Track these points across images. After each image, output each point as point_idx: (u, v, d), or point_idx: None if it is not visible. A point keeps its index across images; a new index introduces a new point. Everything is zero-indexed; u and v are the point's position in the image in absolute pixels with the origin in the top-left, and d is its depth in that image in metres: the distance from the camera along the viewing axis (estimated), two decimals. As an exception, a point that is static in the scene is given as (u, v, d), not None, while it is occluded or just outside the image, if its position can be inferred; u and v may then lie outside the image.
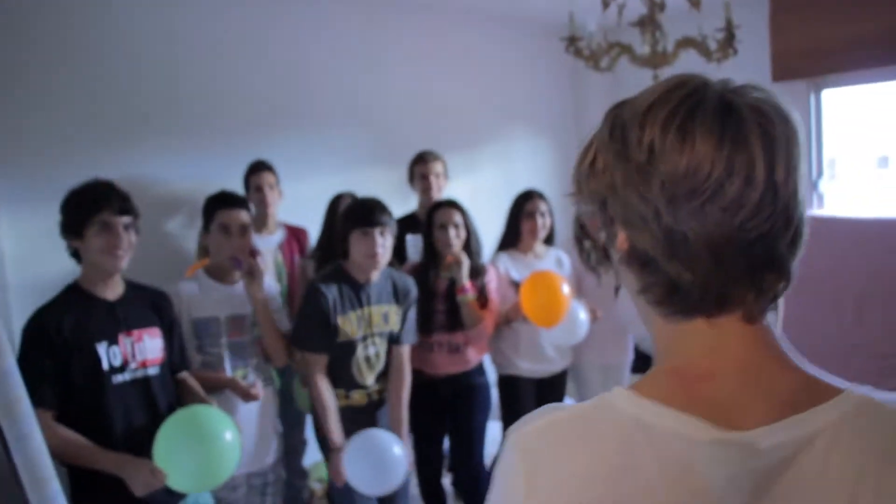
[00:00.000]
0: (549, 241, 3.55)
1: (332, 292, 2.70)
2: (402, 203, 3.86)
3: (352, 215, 2.76)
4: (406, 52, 4.49)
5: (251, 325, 2.70)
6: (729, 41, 2.85)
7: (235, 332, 2.66)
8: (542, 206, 3.43)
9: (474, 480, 3.48)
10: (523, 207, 3.44)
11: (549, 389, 3.49)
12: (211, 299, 2.64)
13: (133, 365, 2.22)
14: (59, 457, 2.00)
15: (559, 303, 3.11)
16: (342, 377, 2.76)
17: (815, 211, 4.49)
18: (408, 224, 3.66)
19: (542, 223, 3.42)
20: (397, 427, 2.83)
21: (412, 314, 2.93)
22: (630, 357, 3.76)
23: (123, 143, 3.40)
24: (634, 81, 4.49)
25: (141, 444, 2.10)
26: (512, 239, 3.49)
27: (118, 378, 2.18)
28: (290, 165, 3.75)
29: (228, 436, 2.15)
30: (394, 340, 2.87)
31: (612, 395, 0.73)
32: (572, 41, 2.98)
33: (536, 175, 4.90)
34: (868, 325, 3.28)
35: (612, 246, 0.77)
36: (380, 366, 2.83)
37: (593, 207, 0.76)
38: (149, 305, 2.34)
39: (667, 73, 3.08)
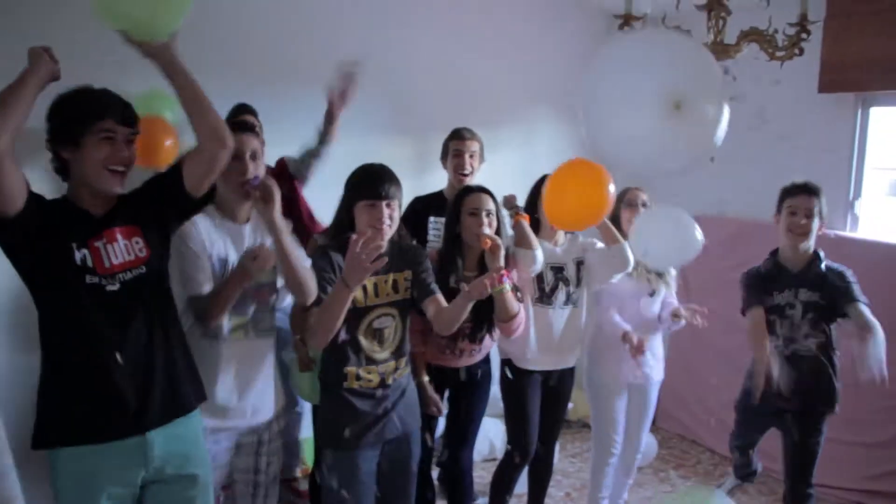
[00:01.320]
0: None
1: (338, 259, 2.48)
2: (416, 178, 3.63)
3: (357, 184, 2.54)
4: (431, 16, 4.23)
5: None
6: (799, 38, 2.60)
7: None
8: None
9: (457, 476, 3.29)
10: (542, 191, 3.15)
11: (557, 388, 3.28)
12: (222, 237, 2.40)
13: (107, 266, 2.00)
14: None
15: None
16: (352, 350, 2.52)
17: (848, 232, 4.28)
18: (432, 203, 3.43)
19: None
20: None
21: (429, 273, 2.66)
22: (659, 378, 3.57)
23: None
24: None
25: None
26: (531, 225, 3.21)
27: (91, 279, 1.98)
28: (279, 125, 3.42)
29: None
30: (418, 301, 2.62)
31: None
32: (627, 20, 2.72)
33: (558, 160, 4.65)
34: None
35: None
36: (393, 340, 2.59)
37: None
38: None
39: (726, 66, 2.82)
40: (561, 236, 3.26)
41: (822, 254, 3.13)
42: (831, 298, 3.03)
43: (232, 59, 3.52)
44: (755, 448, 3.60)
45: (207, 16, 3.41)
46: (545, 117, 4.87)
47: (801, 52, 2.76)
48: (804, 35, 2.58)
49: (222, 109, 3.19)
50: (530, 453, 3.27)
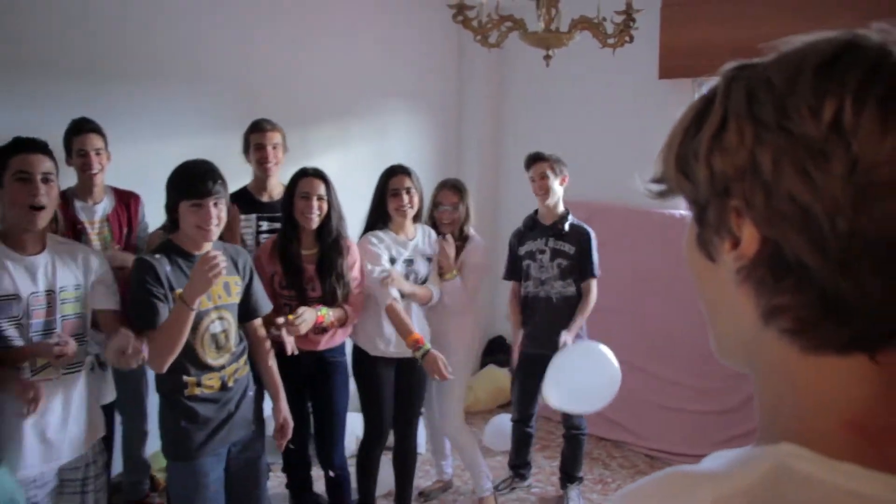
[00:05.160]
0: (415, 219, 3.35)
1: (163, 265, 2.37)
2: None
3: (180, 183, 2.42)
4: (274, 11, 4.12)
5: (60, 304, 2.29)
6: (626, 26, 2.66)
7: (43, 311, 2.25)
8: (408, 183, 3.21)
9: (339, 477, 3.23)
10: (388, 184, 3.22)
11: (409, 372, 3.30)
12: (9, 272, 2.21)
13: None
14: None
15: None
16: (188, 358, 2.41)
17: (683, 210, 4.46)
18: (238, 200, 3.23)
19: (409, 201, 3.20)
20: (275, 392, 2.72)
21: (257, 284, 2.67)
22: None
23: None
24: (523, 61, 4.32)
25: None
26: (380, 218, 3.25)
27: None
28: (120, 124, 3.33)
29: None
30: (244, 316, 2.61)
31: (785, 456, 0.55)
32: (461, 9, 2.71)
33: (413, 153, 4.64)
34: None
35: (715, 249, 0.59)
36: (230, 345, 2.51)
37: (700, 195, 0.58)
38: None
39: (559, 54, 2.87)
40: (410, 226, 3.30)
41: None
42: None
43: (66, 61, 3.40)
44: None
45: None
46: (400, 110, 4.84)
47: (631, 39, 2.84)
48: (631, 23, 2.64)
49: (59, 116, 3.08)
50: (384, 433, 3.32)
